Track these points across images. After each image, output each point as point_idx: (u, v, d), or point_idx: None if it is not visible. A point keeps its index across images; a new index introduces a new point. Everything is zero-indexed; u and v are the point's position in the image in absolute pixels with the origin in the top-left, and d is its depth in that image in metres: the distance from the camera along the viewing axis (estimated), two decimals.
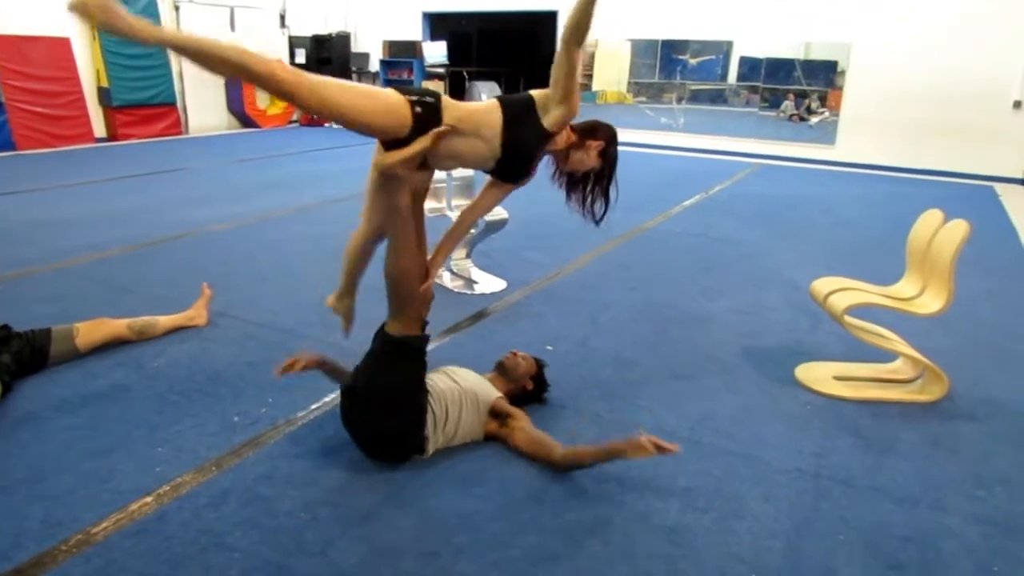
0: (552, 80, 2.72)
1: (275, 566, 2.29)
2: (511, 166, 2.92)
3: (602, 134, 3.03)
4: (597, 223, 3.08)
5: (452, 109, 2.76)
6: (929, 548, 2.48)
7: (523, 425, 2.98)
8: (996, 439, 3.22)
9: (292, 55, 14.79)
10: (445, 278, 5.05)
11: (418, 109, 2.68)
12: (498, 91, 12.64)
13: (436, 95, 2.76)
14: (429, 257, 3.06)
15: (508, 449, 2.97)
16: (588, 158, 3.00)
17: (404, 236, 2.79)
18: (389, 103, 2.65)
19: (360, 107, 2.60)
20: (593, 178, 3.05)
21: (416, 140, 2.68)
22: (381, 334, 2.92)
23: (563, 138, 2.94)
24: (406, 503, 2.63)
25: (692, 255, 6.07)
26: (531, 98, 2.82)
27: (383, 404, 2.79)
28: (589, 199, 3.07)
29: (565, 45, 2.61)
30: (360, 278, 3.43)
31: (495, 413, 3.02)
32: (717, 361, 3.95)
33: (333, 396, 3.30)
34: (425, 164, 2.84)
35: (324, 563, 2.31)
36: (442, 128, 2.70)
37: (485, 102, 2.87)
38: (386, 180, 2.77)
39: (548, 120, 2.79)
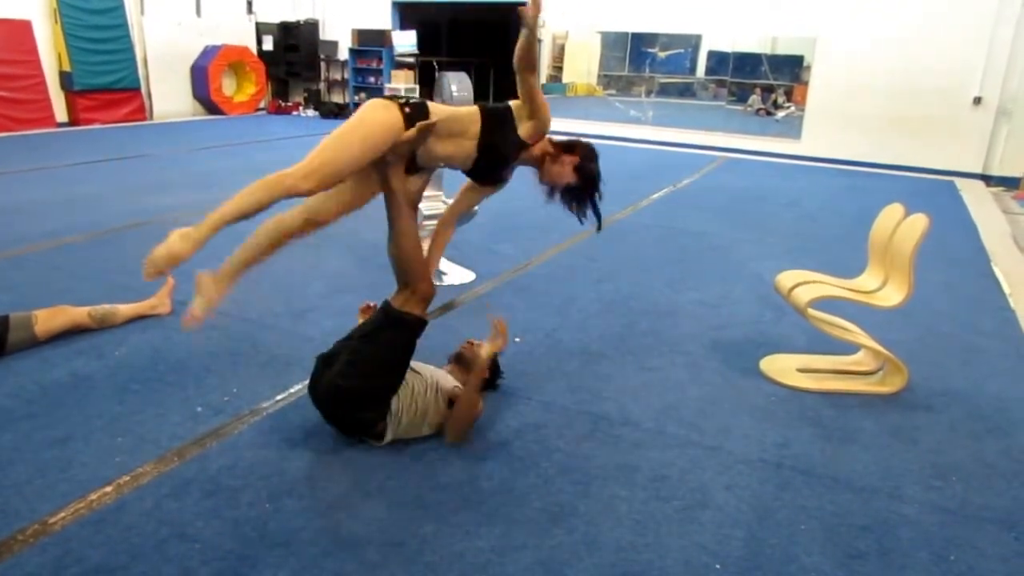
0: (520, 99, 2.99)
1: (237, 557, 2.27)
2: (486, 169, 3.13)
3: (579, 151, 3.16)
4: (598, 228, 3.27)
5: (437, 111, 2.94)
6: (887, 537, 2.52)
7: (462, 396, 3.00)
8: (953, 429, 3.28)
9: (259, 41, 14.62)
10: None
11: (407, 109, 2.86)
12: (468, 82, 12.55)
13: (423, 101, 2.98)
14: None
15: (474, 438, 2.99)
16: (564, 172, 3.13)
17: (404, 219, 2.89)
18: (379, 124, 2.82)
19: (363, 149, 2.79)
20: (571, 192, 3.16)
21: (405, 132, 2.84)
22: (384, 305, 2.95)
23: (540, 149, 3.11)
24: (371, 494, 2.62)
25: (660, 248, 6.11)
26: (509, 108, 3.05)
27: (360, 364, 2.80)
28: (575, 209, 3.21)
29: (519, 73, 2.91)
30: (254, 266, 3.24)
31: (451, 402, 3.03)
32: (683, 353, 3.98)
33: (299, 387, 3.28)
34: (415, 166, 3.02)
35: (288, 554, 2.29)
36: (430, 121, 2.85)
37: (467, 107, 3.08)
38: (379, 168, 2.87)
39: (522, 130, 3.02)
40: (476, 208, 4.95)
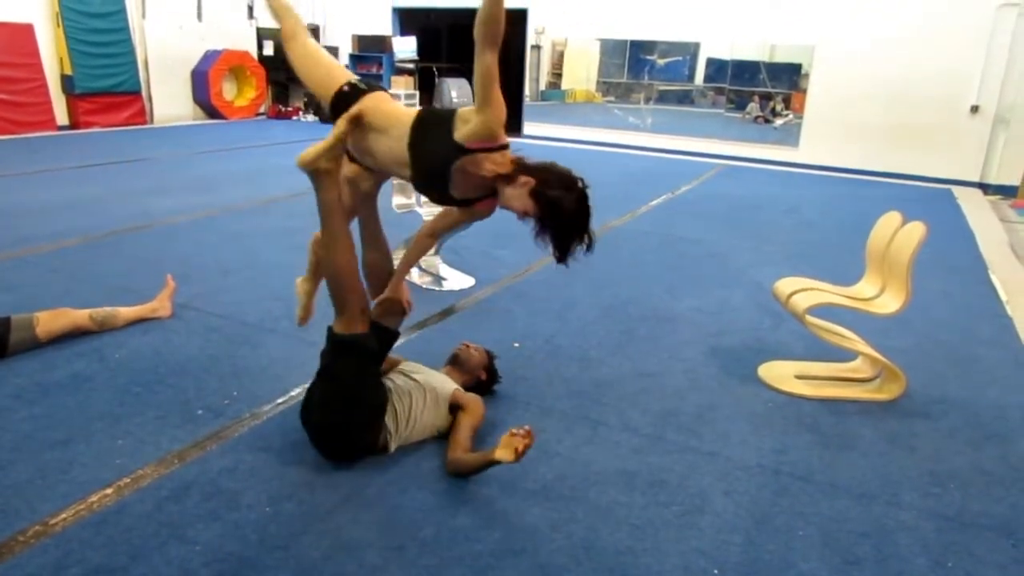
0: (474, 87, 2.46)
1: (238, 559, 2.28)
2: (422, 178, 2.70)
3: (539, 173, 2.58)
4: (558, 260, 2.67)
5: (372, 101, 2.68)
6: (885, 543, 2.53)
7: (462, 421, 2.93)
8: (951, 436, 3.29)
9: (260, 46, 14.64)
10: (414, 274, 5.03)
11: (345, 88, 2.71)
12: (468, 88, 12.61)
13: (374, 87, 2.76)
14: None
15: (475, 446, 2.99)
16: (516, 195, 2.59)
17: (334, 230, 2.74)
18: (329, 80, 2.77)
19: (312, 75, 2.82)
20: (538, 224, 2.62)
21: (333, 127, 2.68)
22: (328, 332, 2.85)
23: (495, 163, 2.58)
24: (371, 498, 2.63)
25: (658, 254, 6.12)
26: (454, 111, 2.60)
27: (331, 401, 2.76)
28: (547, 243, 2.65)
29: (476, 45, 2.36)
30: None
31: (454, 405, 3.02)
32: (682, 359, 4.00)
33: (299, 391, 3.29)
34: (356, 160, 2.86)
35: (288, 557, 2.30)
36: (352, 112, 2.62)
37: (410, 108, 2.78)
38: (317, 176, 2.70)
39: (460, 133, 2.51)
40: None
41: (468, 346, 3.37)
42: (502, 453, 2.47)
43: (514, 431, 2.47)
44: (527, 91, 14.01)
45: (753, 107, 12.54)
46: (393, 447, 2.89)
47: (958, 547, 2.53)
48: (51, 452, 2.80)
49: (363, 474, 2.76)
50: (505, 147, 2.60)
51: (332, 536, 2.41)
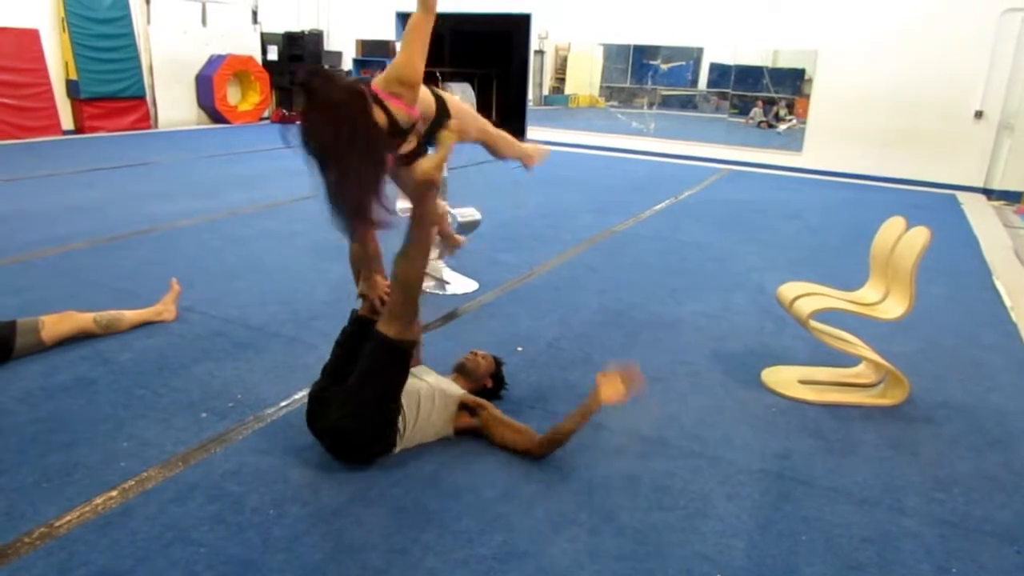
0: None
1: (241, 561, 2.28)
2: None
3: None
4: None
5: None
6: (888, 549, 2.53)
7: (498, 415, 2.99)
8: (954, 442, 3.29)
9: (264, 52, 14.69)
10: None
11: None
12: (471, 92, 12.61)
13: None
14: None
15: (478, 445, 3.00)
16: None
17: (429, 240, 2.88)
18: None
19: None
20: None
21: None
22: (378, 336, 2.80)
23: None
24: (374, 500, 2.63)
25: (661, 258, 6.12)
26: None
27: (361, 403, 2.76)
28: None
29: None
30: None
31: (465, 406, 3.03)
32: (685, 363, 4.00)
33: (302, 394, 3.29)
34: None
35: (291, 559, 2.31)
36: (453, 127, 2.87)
37: None
38: (429, 187, 2.78)
39: (376, 78, 2.69)
40: (479, 218, 5.01)
41: (476, 354, 3.37)
42: (608, 393, 2.73)
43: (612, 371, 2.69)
44: (530, 96, 14.03)
45: (757, 112, 12.54)
46: (399, 448, 2.89)
47: (961, 553, 2.53)
48: (56, 455, 2.81)
49: (366, 476, 2.76)
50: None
51: (335, 538, 2.42)
